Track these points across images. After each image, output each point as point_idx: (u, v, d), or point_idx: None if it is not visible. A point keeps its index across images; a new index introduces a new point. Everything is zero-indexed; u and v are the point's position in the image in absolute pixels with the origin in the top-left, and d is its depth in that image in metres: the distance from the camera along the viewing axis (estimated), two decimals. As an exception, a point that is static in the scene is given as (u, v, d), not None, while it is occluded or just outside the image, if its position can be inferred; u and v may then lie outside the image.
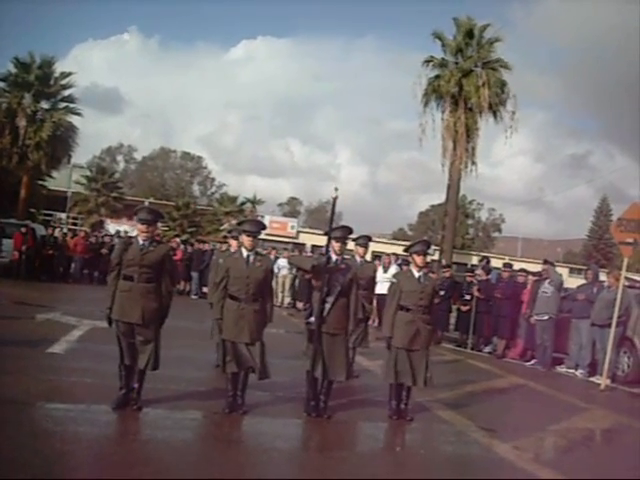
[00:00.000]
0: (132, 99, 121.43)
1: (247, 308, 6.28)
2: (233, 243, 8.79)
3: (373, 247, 12.80)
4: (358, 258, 8.49)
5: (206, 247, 20.70)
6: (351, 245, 8.21)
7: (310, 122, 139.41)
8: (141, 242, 6.06)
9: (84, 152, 52.22)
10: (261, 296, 6.41)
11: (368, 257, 9.40)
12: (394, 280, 7.11)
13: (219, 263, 7.26)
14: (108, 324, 6.08)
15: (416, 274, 6.97)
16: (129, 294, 5.96)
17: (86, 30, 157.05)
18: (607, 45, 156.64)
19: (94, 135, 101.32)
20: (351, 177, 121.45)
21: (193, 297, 19.44)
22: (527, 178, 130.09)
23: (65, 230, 24.17)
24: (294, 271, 18.63)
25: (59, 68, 28.94)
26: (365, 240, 8.65)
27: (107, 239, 21.90)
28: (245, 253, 6.43)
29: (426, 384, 6.87)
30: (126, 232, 28.69)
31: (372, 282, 8.85)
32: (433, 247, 41.89)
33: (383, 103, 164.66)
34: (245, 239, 6.46)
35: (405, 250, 7.53)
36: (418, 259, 6.98)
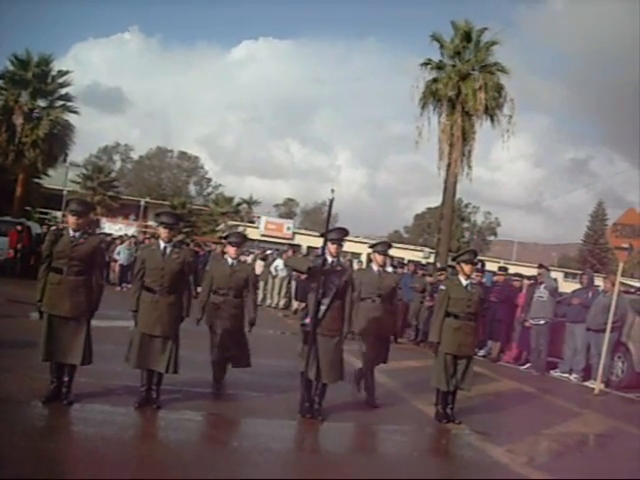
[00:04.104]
0: (134, 99, 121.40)
1: (162, 300, 6.20)
2: (230, 250, 8.40)
3: (367, 249, 12.69)
4: (375, 267, 7.77)
5: (202, 252, 20.32)
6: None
7: (310, 124, 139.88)
8: (72, 234, 5.95)
9: (81, 151, 52.14)
10: (177, 289, 6.34)
11: (382, 261, 7.88)
12: (443, 288, 7.25)
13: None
14: (39, 317, 5.95)
15: (464, 282, 7.13)
16: (58, 287, 5.85)
17: (87, 29, 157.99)
18: (610, 51, 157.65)
19: (95, 134, 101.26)
20: (350, 179, 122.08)
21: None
22: (527, 182, 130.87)
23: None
24: (288, 271, 18.52)
25: (58, 66, 28.92)
26: (384, 247, 7.84)
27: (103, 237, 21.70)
28: (162, 245, 6.37)
29: (469, 389, 7.14)
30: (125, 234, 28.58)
31: (393, 293, 7.92)
32: (428, 250, 42.09)
33: (383, 106, 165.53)
34: (162, 231, 6.42)
35: (453, 259, 7.70)
36: (466, 268, 7.12)
